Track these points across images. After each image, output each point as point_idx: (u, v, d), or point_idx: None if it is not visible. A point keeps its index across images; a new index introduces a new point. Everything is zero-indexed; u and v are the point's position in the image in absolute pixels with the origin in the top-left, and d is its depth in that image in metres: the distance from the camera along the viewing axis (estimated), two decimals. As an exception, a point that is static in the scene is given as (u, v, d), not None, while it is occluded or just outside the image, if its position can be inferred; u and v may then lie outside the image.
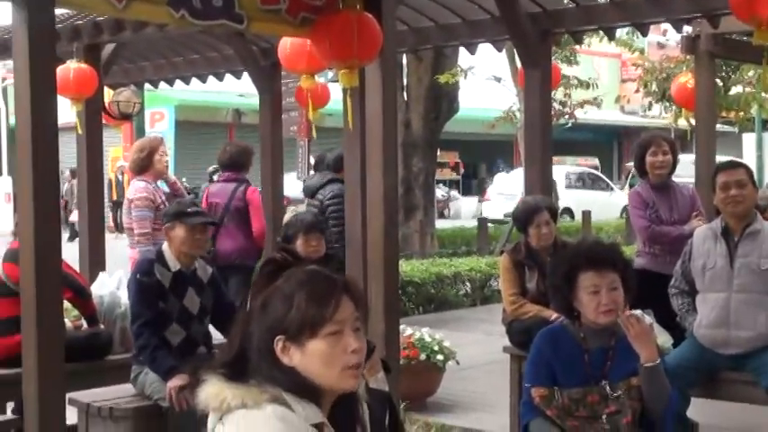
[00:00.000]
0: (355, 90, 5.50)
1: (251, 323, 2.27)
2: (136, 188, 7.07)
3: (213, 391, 2.22)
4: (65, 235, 18.66)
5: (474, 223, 19.28)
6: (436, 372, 7.01)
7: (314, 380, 2.23)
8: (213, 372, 2.25)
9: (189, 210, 5.23)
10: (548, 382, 3.94)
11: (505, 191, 25.01)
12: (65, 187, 24.37)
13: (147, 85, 10.56)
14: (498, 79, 16.71)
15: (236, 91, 22.85)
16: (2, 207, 25.00)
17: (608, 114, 31.24)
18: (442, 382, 7.14)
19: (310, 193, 7.97)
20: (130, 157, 7.22)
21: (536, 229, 5.98)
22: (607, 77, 33.16)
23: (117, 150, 26.27)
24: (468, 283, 12.15)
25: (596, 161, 33.78)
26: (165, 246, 5.19)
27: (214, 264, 8.05)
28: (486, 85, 16.73)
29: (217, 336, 5.44)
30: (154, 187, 7.18)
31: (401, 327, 6.42)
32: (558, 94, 15.10)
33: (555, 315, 5.29)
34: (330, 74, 13.72)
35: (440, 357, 6.90)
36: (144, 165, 7.13)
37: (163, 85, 10.27)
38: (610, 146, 41.66)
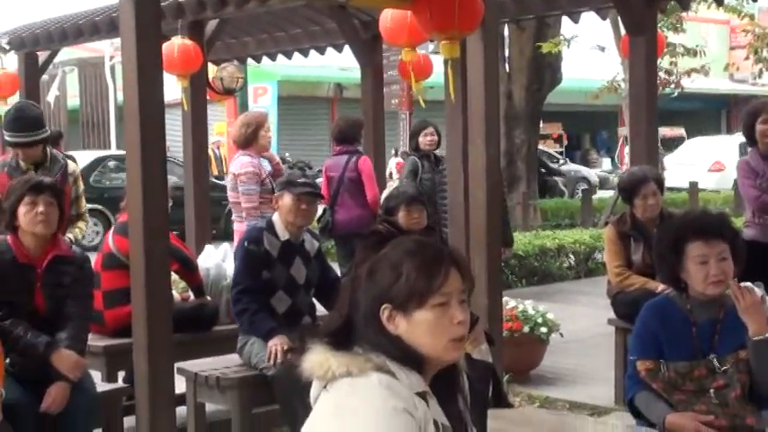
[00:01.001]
0: (456, 61, 5.47)
1: (357, 291, 2.28)
2: (242, 163, 7.11)
3: (318, 359, 2.24)
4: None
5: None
6: (539, 344, 6.97)
7: (418, 349, 2.23)
8: (318, 340, 2.27)
9: (297, 180, 5.29)
10: (654, 355, 3.87)
11: (685, 160, 24.49)
12: None
13: (249, 61, 10.68)
14: (602, 48, 16.42)
15: (337, 65, 22.94)
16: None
17: (716, 83, 30.43)
18: (545, 354, 7.09)
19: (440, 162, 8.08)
20: (235, 132, 7.25)
21: (642, 201, 5.88)
22: (715, 45, 32.30)
23: (221, 126, 26.66)
24: (571, 256, 12.03)
25: (682, 130, 32.87)
26: (275, 216, 5.26)
27: (334, 233, 8.21)
28: (589, 54, 16.45)
29: (321, 308, 5.50)
30: (258, 162, 7.24)
31: (504, 299, 6.39)
32: (664, 62, 14.74)
33: (661, 287, 5.19)
34: (431, 46, 13.68)
35: (543, 330, 6.86)
36: (249, 140, 7.17)
37: (265, 60, 10.37)
38: (718, 115, 40.62)
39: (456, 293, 2.26)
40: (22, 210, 4.39)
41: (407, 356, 2.23)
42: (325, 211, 8.22)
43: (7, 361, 4.29)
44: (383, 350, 2.22)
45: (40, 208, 4.39)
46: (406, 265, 2.24)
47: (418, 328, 2.23)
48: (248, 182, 6.99)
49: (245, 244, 5.18)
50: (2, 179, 5.20)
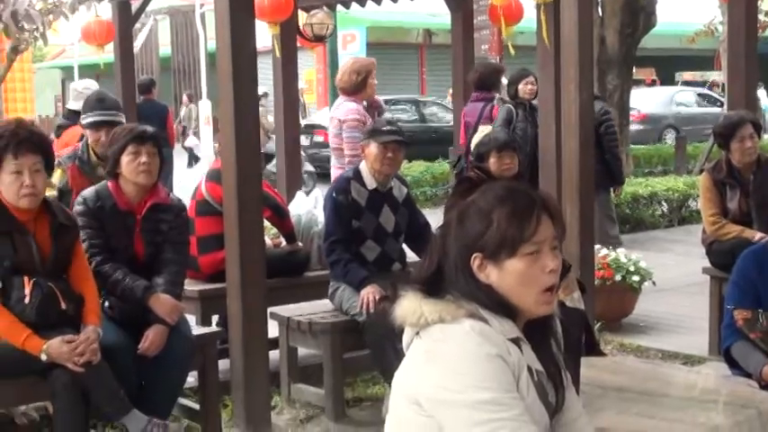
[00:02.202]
0: (549, 5, 5.38)
1: (447, 238, 2.26)
2: (348, 109, 7.00)
3: (410, 306, 2.24)
4: (183, 161, 19.18)
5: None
6: (632, 293, 6.89)
7: (510, 298, 2.22)
8: (410, 287, 2.27)
9: (383, 128, 5.27)
10: (752, 305, 3.80)
11: None
12: (182, 112, 24.97)
13: (339, 7, 10.64)
14: (699, -10, 15.97)
15: (426, 11, 22.76)
16: (203, 129, 25.97)
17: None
18: (637, 303, 7.01)
19: None
20: (344, 78, 7.08)
21: (739, 144, 5.74)
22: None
23: (310, 73, 26.74)
24: (664, 204, 11.83)
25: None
26: (362, 164, 5.27)
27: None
28: (685, -4, 16.03)
29: (411, 255, 5.51)
30: (364, 110, 7.19)
31: (596, 247, 6.33)
32: (765, 4, 14.30)
33: (759, 235, 5.09)
34: (522, -10, 13.46)
35: (635, 278, 6.77)
36: (358, 87, 7.08)
37: (354, 6, 10.32)
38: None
39: (548, 241, 2.22)
40: (125, 159, 4.47)
41: (499, 305, 2.21)
42: (459, 157, 8.21)
43: (106, 304, 4.40)
44: (474, 298, 2.21)
45: (143, 158, 4.46)
46: (496, 213, 2.20)
47: (509, 276, 2.20)
48: (353, 129, 6.89)
49: (333, 194, 5.21)
50: (73, 172, 5.23)
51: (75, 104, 8.08)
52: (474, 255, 2.21)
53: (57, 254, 4.09)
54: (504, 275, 2.21)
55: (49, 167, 4.17)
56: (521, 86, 8.22)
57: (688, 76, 32.39)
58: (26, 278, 3.96)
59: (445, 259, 2.25)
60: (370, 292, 4.92)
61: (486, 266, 2.21)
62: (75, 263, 4.18)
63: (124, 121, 5.70)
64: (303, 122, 12.15)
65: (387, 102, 20.91)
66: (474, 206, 2.25)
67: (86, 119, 5.41)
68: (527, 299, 2.22)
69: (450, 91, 24.04)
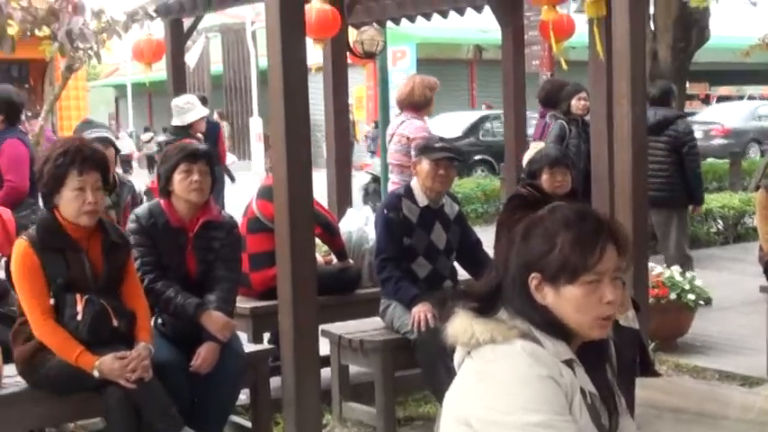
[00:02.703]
0: (601, 20, 5.33)
1: (509, 252, 2.22)
2: (416, 126, 7.07)
3: (462, 325, 2.21)
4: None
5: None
6: (687, 311, 6.79)
7: (565, 322, 2.18)
8: (462, 305, 2.24)
9: (435, 145, 5.26)
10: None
11: None
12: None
13: (389, 23, 10.65)
14: (754, 3, 15.77)
15: (476, 27, 22.72)
16: (254, 146, 26.15)
17: None
18: (693, 322, 6.90)
19: (658, 129, 7.88)
20: (417, 93, 7.14)
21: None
22: None
23: (360, 89, 26.82)
24: (719, 221, 11.66)
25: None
26: (414, 181, 5.25)
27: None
28: (739, 9, 15.84)
29: (462, 272, 5.48)
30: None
31: (650, 265, 6.24)
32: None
33: (818, 253, 4.98)
34: (573, 5, 13.39)
35: (691, 297, 6.67)
36: (428, 103, 7.15)
37: (404, 22, 10.33)
38: None
39: (610, 272, 2.17)
40: (177, 177, 4.49)
41: (553, 327, 2.17)
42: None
43: (159, 321, 4.42)
44: (529, 318, 2.18)
45: (195, 176, 4.49)
46: (561, 237, 2.16)
47: (566, 302, 2.16)
48: None
49: (385, 211, 5.20)
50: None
51: (178, 120, 8.22)
52: (533, 274, 2.18)
53: (109, 271, 4.11)
54: (560, 300, 2.17)
55: (106, 186, 4.20)
56: (573, 102, 8.15)
57: (724, 90, 32.07)
58: (78, 295, 3.99)
59: (504, 274, 2.22)
60: (421, 311, 4.90)
61: (544, 288, 2.18)
62: (127, 280, 4.20)
63: (113, 137, 5.82)
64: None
65: (487, 118, 21.40)
66: (540, 225, 2.21)
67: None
68: (582, 324, 2.18)
69: (484, 106, 23.88)
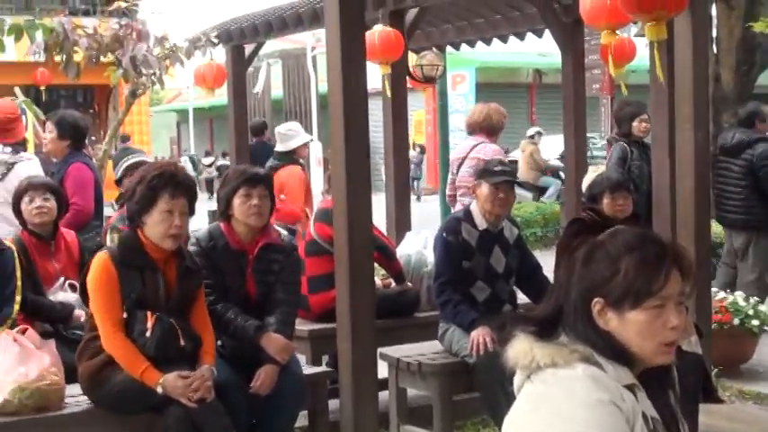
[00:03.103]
0: (663, 43, 5.29)
1: (570, 277, 2.21)
2: (493, 150, 7.32)
3: (522, 348, 2.20)
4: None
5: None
6: (751, 337, 6.67)
7: (628, 347, 2.16)
8: (522, 329, 2.23)
9: (494, 168, 5.26)
10: None
11: None
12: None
13: (448, 48, 10.69)
14: (818, 26, 15.53)
15: (536, 51, 22.70)
16: (314, 170, 26.31)
17: None
18: (757, 348, 6.78)
19: (735, 151, 7.82)
20: (495, 118, 7.48)
21: None
22: None
23: (419, 114, 26.87)
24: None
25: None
26: (473, 205, 5.26)
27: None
28: (804, 32, 15.58)
29: (522, 296, 5.46)
30: None
31: (713, 290, 6.16)
32: None
33: None
34: (634, 29, 13.32)
35: (755, 322, 6.56)
36: (501, 128, 7.49)
37: (464, 47, 10.36)
38: None
39: (674, 296, 2.14)
40: (237, 201, 4.55)
41: (616, 352, 2.15)
42: None
43: (218, 343, 4.46)
44: (591, 343, 2.16)
45: (255, 200, 4.54)
46: (624, 261, 2.13)
47: (629, 327, 2.14)
48: None
49: (444, 235, 5.20)
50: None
51: (282, 147, 8.33)
52: (595, 299, 2.16)
53: (180, 294, 4.20)
54: (624, 325, 2.14)
55: (191, 213, 4.28)
56: (635, 124, 8.07)
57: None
58: (150, 312, 4.07)
59: (565, 298, 2.21)
60: (480, 334, 4.88)
61: (607, 313, 2.15)
62: (196, 306, 4.28)
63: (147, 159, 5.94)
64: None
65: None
66: (602, 249, 2.18)
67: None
68: (645, 349, 2.15)
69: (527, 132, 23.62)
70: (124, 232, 4.41)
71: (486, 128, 7.45)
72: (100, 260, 4.12)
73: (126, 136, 26.20)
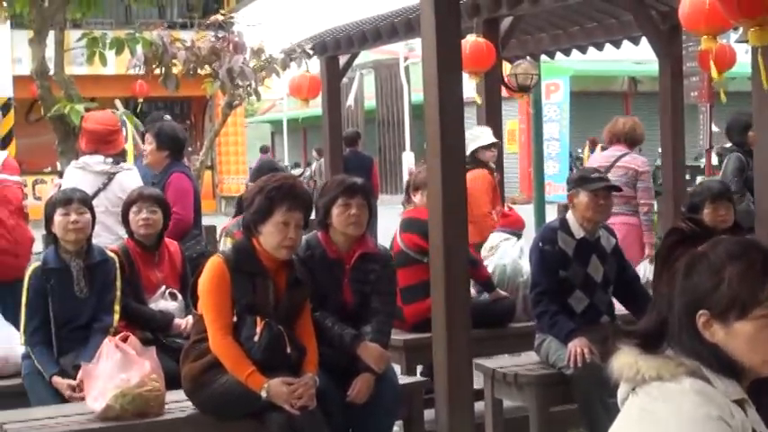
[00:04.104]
0: (766, 48, 5.16)
1: (672, 290, 2.18)
2: (642, 160, 7.68)
3: (627, 361, 2.16)
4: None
5: None
6: None
7: (736, 359, 2.10)
8: (626, 341, 2.19)
9: (591, 176, 5.20)
10: None
11: None
12: (313, 166, 25.17)
13: (543, 57, 10.63)
14: None
15: (631, 58, 22.41)
16: (405, 181, 26.37)
17: None
18: None
19: None
20: (638, 131, 7.76)
21: None
22: None
23: (513, 123, 26.74)
24: None
25: None
26: (569, 214, 5.20)
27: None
28: None
29: (620, 307, 5.38)
30: None
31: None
32: None
33: None
34: (733, 35, 13.04)
35: None
36: (640, 141, 7.82)
37: (558, 55, 10.29)
38: None
39: None
40: (335, 210, 4.58)
41: (724, 365, 2.10)
42: None
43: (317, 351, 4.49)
44: (697, 356, 2.11)
45: (353, 210, 4.56)
46: (728, 271, 2.08)
47: (737, 339, 2.08)
48: (648, 179, 7.59)
49: (540, 244, 5.15)
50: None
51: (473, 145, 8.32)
52: (700, 312, 2.11)
53: (289, 303, 4.25)
54: (731, 337, 2.09)
55: (306, 227, 4.35)
56: (751, 133, 7.92)
57: None
58: (258, 318, 4.13)
59: (669, 312, 2.17)
60: (578, 346, 4.82)
61: (713, 325, 2.10)
62: (302, 317, 4.33)
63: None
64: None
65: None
66: (703, 260, 2.14)
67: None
68: (755, 361, 2.10)
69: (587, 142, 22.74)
70: (240, 239, 4.48)
71: (629, 139, 7.71)
72: (214, 264, 4.21)
73: (266, 147, 26.50)
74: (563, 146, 23.34)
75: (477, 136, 8.07)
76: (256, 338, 4.10)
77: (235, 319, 4.14)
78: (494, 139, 7.67)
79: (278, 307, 4.21)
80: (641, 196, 7.49)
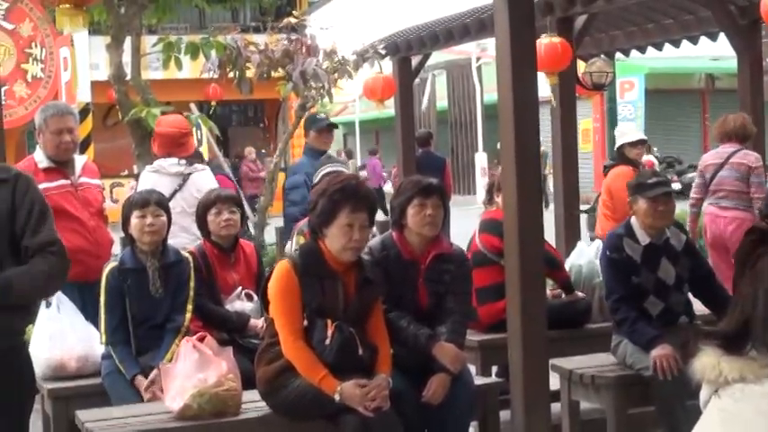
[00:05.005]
0: None
1: (757, 289, 2.13)
2: (756, 156, 7.74)
3: (709, 362, 2.13)
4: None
5: None
6: None
7: None
8: (709, 342, 2.16)
9: (649, 181, 5.10)
10: None
11: None
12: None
13: (618, 55, 10.52)
14: None
15: (708, 55, 22.03)
16: (479, 181, 26.29)
17: None
18: None
19: None
20: (749, 128, 7.80)
21: None
22: None
23: (586, 122, 26.49)
24: None
25: None
26: (633, 219, 5.11)
27: None
28: None
29: (699, 306, 5.29)
30: None
31: None
32: None
33: None
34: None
35: None
36: (750, 136, 7.85)
37: (633, 53, 10.16)
38: None
39: None
40: (410, 210, 4.58)
41: None
42: None
43: (390, 351, 4.49)
44: None
45: (429, 210, 4.55)
46: None
47: None
48: (761, 174, 7.66)
49: (607, 253, 5.08)
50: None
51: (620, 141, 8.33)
52: None
53: (359, 304, 4.24)
54: None
55: (371, 225, 4.34)
56: None
57: None
58: (329, 321, 4.13)
59: (753, 313, 2.12)
60: (662, 357, 4.71)
61: None
62: (373, 317, 4.32)
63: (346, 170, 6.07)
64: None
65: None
66: None
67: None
68: None
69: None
70: (306, 242, 4.49)
71: (740, 135, 7.78)
72: (282, 268, 4.22)
73: (374, 149, 26.49)
74: (640, 144, 22.99)
75: (623, 133, 8.09)
76: (328, 342, 4.10)
77: (305, 323, 4.14)
78: (641, 136, 7.81)
79: (348, 308, 4.20)
80: (755, 191, 7.61)
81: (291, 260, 4.27)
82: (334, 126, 8.06)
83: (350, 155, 26.13)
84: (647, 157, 18.02)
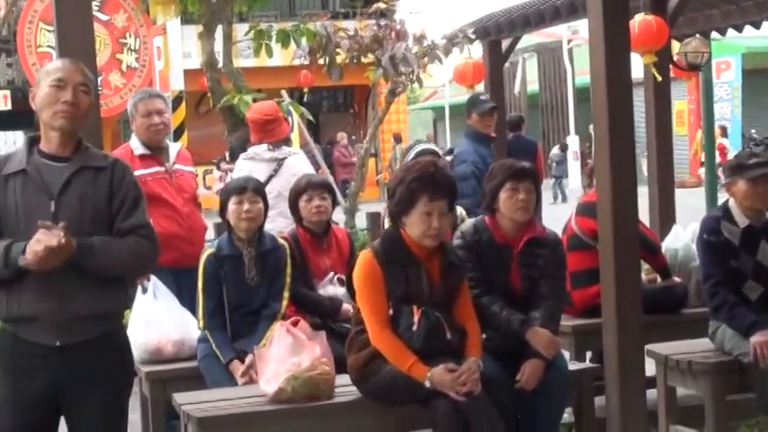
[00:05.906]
0: None
1: None
2: None
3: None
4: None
5: None
6: None
7: None
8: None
9: (748, 162, 4.96)
10: None
11: None
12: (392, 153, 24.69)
13: (713, 34, 10.27)
14: None
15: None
16: (571, 165, 26.02)
17: None
18: None
19: None
20: None
21: None
22: None
23: (681, 104, 25.97)
24: None
25: None
26: (731, 202, 4.99)
27: None
28: None
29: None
30: None
31: None
32: None
33: None
34: None
35: None
36: None
37: (729, 32, 9.91)
38: None
39: None
40: (503, 195, 4.53)
41: None
42: None
43: (483, 336, 4.47)
44: None
45: (522, 195, 4.51)
46: None
47: None
48: None
49: (704, 236, 4.97)
50: None
51: None
52: None
53: (445, 288, 4.23)
54: None
55: (451, 211, 4.32)
56: None
57: None
58: (415, 307, 4.13)
59: None
60: (763, 343, 4.61)
61: None
62: (460, 299, 4.30)
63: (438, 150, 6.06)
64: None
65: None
66: None
67: None
68: None
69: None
70: (387, 230, 4.49)
71: None
72: (364, 258, 4.22)
73: (423, 141, 26.59)
74: (735, 126, 22.55)
75: None
76: (415, 328, 4.09)
77: (391, 311, 4.14)
78: None
79: (433, 294, 4.19)
80: None
81: (373, 249, 4.25)
82: (497, 108, 7.97)
83: (398, 138, 25.93)
84: (720, 141, 17.61)
